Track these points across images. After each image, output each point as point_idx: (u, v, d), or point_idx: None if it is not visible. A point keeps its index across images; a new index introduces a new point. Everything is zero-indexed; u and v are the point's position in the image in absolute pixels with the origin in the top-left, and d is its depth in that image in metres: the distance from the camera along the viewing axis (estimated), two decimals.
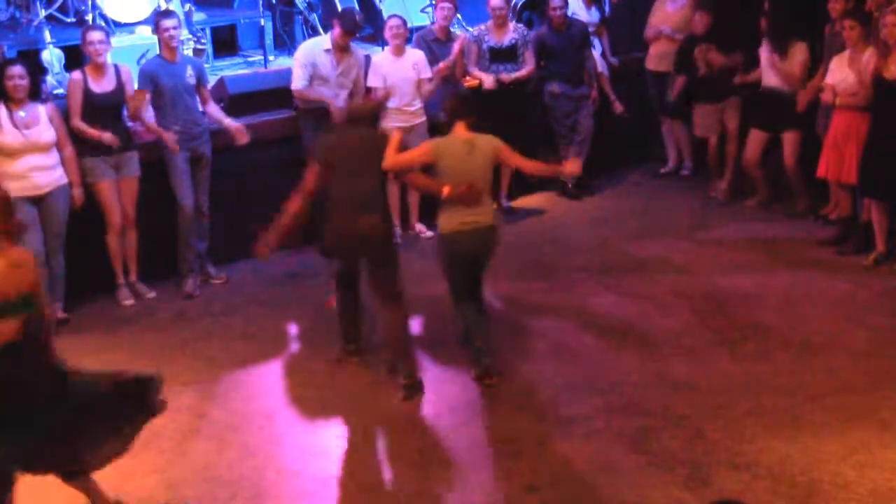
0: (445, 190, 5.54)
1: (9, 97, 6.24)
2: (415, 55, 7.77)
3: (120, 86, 6.70)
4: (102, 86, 6.65)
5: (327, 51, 7.48)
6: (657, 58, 8.92)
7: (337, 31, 7.44)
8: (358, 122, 5.84)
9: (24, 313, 4.05)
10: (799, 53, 7.76)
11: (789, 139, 7.96)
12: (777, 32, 7.80)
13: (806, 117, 7.85)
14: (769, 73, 7.89)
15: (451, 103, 5.81)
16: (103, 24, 8.07)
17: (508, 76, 8.20)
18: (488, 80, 8.13)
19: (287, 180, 7.28)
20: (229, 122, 7.07)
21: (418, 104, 7.77)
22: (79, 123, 6.57)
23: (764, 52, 7.92)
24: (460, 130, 5.63)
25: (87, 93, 6.59)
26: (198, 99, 7.03)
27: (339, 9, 8.55)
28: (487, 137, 5.66)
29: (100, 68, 6.65)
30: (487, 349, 5.68)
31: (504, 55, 8.25)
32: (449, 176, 5.56)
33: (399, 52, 7.70)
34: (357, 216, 5.53)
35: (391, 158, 5.58)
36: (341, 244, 5.75)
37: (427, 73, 7.74)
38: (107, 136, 6.57)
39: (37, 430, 4.11)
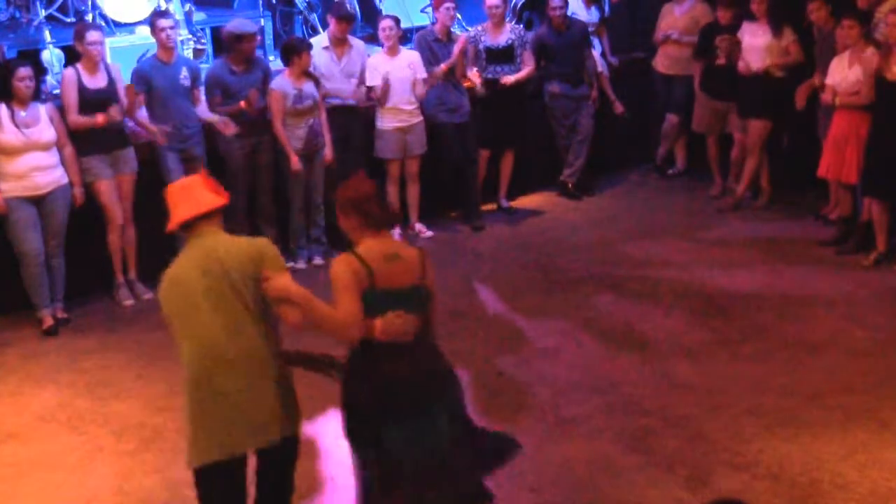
0: None
1: (15, 97, 6.25)
2: (410, 55, 7.78)
3: (111, 81, 6.69)
4: (96, 82, 6.63)
5: (326, 48, 7.50)
6: (665, 60, 8.97)
7: (333, 23, 7.48)
8: None
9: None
10: (789, 34, 7.86)
11: (756, 126, 8.05)
12: (774, 14, 7.87)
13: (774, 107, 7.97)
14: (753, 56, 7.94)
15: None
16: (103, 23, 8.08)
17: (509, 79, 8.19)
18: (478, 87, 8.08)
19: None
20: (213, 117, 7.05)
21: (415, 103, 7.77)
22: (76, 118, 6.55)
23: (748, 35, 7.99)
24: None
25: (81, 89, 6.57)
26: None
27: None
28: None
29: (94, 66, 6.64)
30: None
31: (501, 56, 8.23)
32: None
33: (393, 52, 7.71)
34: None
35: None
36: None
37: (422, 73, 7.75)
38: (100, 118, 6.52)
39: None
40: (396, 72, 7.66)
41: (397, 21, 7.82)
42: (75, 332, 6.52)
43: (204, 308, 3.67)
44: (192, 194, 3.83)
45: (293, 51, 7.17)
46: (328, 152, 7.36)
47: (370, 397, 3.71)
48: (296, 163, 7.11)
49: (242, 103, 6.98)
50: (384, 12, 8.88)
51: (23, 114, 6.27)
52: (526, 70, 8.30)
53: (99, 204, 6.71)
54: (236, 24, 7.26)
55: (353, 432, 3.81)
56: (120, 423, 5.38)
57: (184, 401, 3.76)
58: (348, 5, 7.69)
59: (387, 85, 7.57)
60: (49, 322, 6.48)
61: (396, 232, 7.99)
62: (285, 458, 3.90)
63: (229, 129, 6.99)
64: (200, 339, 3.68)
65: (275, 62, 8.80)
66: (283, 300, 3.67)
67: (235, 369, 3.66)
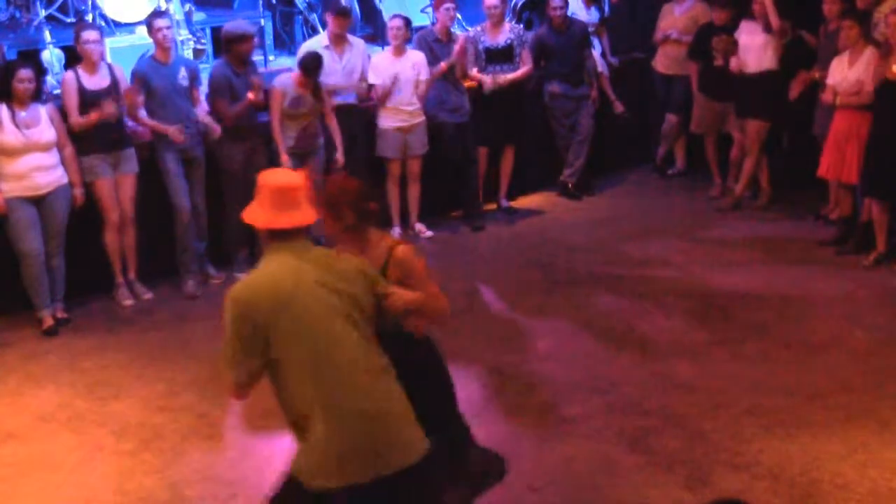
0: None
1: (15, 98, 6.24)
2: (415, 56, 7.79)
3: (114, 82, 6.69)
4: (96, 83, 6.62)
5: (326, 47, 7.51)
6: (665, 60, 8.99)
7: (331, 19, 7.50)
8: None
9: None
10: (784, 25, 7.86)
11: (754, 126, 8.06)
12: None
13: (772, 107, 7.96)
14: (748, 56, 7.95)
15: None
16: (103, 23, 8.08)
17: (504, 77, 8.19)
18: (487, 83, 8.13)
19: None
20: (204, 116, 7.02)
21: (417, 104, 7.78)
22: (76, 119, 6.54)
23: (745, 35, 8.00)
24: None
25: (82, 90, 6.57)
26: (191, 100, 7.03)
27: None
28: None
29: (93, 66, 6.63)
30: None
31: (500, 55, 8.24)
32: None
33: (399, 52, 7.72)
34: None
35: None
36: None
37: (426, 74, 7.76)
38: (94, 115, 6.48)
39: None
40: (402, 72, 7.67)
41: (407, 22, 7.83)
42: (75, 332, 6.52)
43: (333, 327, 3.28)
44: (294, 201, 3.44)
45: (299, 65, 7.17)
46: (339, 156, 7.35)
47: (448, 383, 3.93)
48: (286, 161, 7.08)
49: (250, 94, 6.94)
50: (384, 12, 8.90)
51: (23, 114, 6.27)
52: (523, 69, 8.30)
53: (97, 203, 6.70)
54: (235, 25, 7.24)
55: (433, 419, 3.61)
56: (120, 423, 5.38)
57: (300, 428, 3.38)
58: (343, 0, 7.71)
59: (388, 87, 7.60)
60: (49, 322, 6.48)
61: (396, 231, 8.02)
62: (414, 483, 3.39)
63: (215, 132, 6.96)
64: (329, 361, 3.26)
65: (274, 62, 8.83)
66: (408, 312, 3.57)
67: (368, 393, 3.28)
